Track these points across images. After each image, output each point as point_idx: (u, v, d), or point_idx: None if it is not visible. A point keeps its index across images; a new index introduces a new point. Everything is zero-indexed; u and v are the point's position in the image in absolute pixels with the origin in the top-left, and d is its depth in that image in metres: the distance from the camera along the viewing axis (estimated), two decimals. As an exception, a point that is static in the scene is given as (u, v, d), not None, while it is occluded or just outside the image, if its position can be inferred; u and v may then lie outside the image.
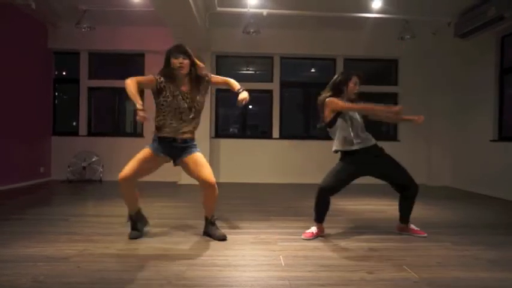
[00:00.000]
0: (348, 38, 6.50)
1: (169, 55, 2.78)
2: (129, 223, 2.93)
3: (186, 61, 2.78)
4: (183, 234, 2.95)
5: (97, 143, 6.50)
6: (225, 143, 6.65)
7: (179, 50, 2.79)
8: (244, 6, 5.27)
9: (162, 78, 2.77)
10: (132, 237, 2.82)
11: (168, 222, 3.31)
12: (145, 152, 2.79)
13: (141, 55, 6.56)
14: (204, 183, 2.80)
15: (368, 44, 6.45)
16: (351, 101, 3.00)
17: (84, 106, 6.65)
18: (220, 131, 6.85)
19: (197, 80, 2.88)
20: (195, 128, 2.95)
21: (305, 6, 5.40)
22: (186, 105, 2.83)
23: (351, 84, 2.98)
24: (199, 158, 2.86)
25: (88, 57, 6.65)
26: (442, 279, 2.08)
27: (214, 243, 2.71)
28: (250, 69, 7.23)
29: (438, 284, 2.02)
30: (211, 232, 2.90)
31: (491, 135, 5.35)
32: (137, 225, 2.92)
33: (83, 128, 6.66)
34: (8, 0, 5.06)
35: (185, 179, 6.38)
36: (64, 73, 6.95)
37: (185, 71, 2.80)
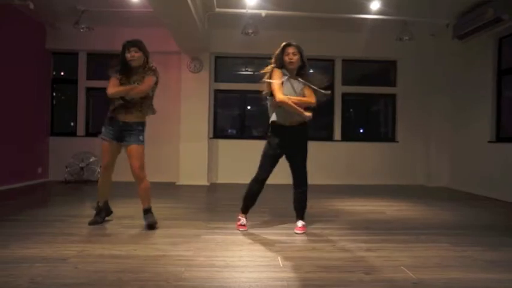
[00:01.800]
0: (346, 39, 6.51)
1: (124, 50, 3.05)
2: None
3: (138, 54, 3.04)
4: (181, 235, 2.94)
5: (95, 143, 6.44)
6: (223, 144, 6.65)
7: (131, 43, 3.07)
8: (243, 7, 5.27)
9: (119, 75, 3.07)
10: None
11: (166, 223, 3.30)
12: (102, 144, 3.16)
13: (140, 56, 6.55)
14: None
15: (366, 45, 6.46)
16: (291, 73, 2.99)
17: (82, 106, 6.64)
18: (218, 132, 6.85)
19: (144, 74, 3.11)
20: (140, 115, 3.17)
21: (304, 8, 5.40)
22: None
23: (285, 57, 2.97)
24: (133, 149, 3.11)
25: (86, 57, 6.64)
26: (440, 280, 2.08)
27: (213, 245, 2.71)
28: (249, 69, 7.24)
29: (436, 285, 2.02)
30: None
31: (489, 136, 5.36)
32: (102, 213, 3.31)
33: (80, 129, 6.64)
34: (6, 0, 5.05)
35: (183, 180, 6.41)
36: (62, 73, 6.94)
37: (137, 63, 3.06)
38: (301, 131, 3.04)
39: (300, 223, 3.14)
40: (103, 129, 3.15)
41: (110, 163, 3.18)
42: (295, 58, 2.95)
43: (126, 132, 3.11)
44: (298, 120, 2.98)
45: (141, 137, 3.14)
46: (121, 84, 3.06)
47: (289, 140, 3.02)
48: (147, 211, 3.21)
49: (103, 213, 3.32)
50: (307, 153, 3.11)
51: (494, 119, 5.35)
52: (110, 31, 6.28)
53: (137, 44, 3.07)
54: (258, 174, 3.08)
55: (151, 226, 3.09)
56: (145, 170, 3.18)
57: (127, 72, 3.09)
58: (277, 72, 2.95)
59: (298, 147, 3.05)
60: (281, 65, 2.99)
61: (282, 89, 2.90)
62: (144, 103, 3.14)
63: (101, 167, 3.23)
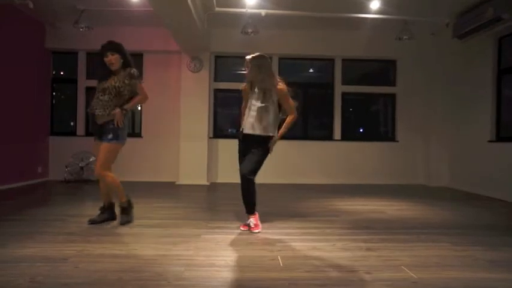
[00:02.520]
0: (346, 38, 6.51)
1: (101, 55, 3.08)
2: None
3: (114, 56, 3.07)
4: (181, 235, 2.94)
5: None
6: (223, 143, 6.64)
7: (106, 47, 3.09)
8: (243, 7, 5.27)
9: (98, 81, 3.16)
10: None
11: (166, 223, 3.31)
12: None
13: (140, 55, 6.55)
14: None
15: (366, 45, 6.46)
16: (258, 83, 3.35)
17: (82, 106, 6.63)
18: (218, 131, 6.85)
19: (125, 73, 3.12)
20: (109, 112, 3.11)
21: (303, 7, 5.39)
22: (105, 86, 3.07)
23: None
24: (101, 147, 3.11)
25: (86, 57, 6.63)
26: (441, 280, 2.08)
27: (213, 244, 2.71)
28: (249, 69, 7.22)
29: (436, 284, 2.02)
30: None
31: (489, 135, 5.36)
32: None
33: (80, 128, 6.64)
34: (6, 0, 5.04)
35: (183, 180, 6.41)
36: (62, 73, 6.93)
37: (116, 66, 3.09)
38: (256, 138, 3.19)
39: (251, 222, 3.12)
40: None
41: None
42: (247, 70, 3.32)
43: (102, 130, 3.14)
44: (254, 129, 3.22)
45: (109, 136, 3.08)
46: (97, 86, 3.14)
47: (247, 145, 3.23)
48: (121, 210, 3.27)
49: (105, 215, 3.29)
50: (260, 155, 3.20)
51: (494, 119, 5.35)
52: (110, 30, 6.26)
53: (110, 47, 3.10)
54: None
55: (123, 224, 3.19)
56: (105, 168, 3.10)
57: (106, 75, 3.13)
58: (243, 92, 3.51)
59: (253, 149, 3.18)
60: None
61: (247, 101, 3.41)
62: (115, 102, 3.10)
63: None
